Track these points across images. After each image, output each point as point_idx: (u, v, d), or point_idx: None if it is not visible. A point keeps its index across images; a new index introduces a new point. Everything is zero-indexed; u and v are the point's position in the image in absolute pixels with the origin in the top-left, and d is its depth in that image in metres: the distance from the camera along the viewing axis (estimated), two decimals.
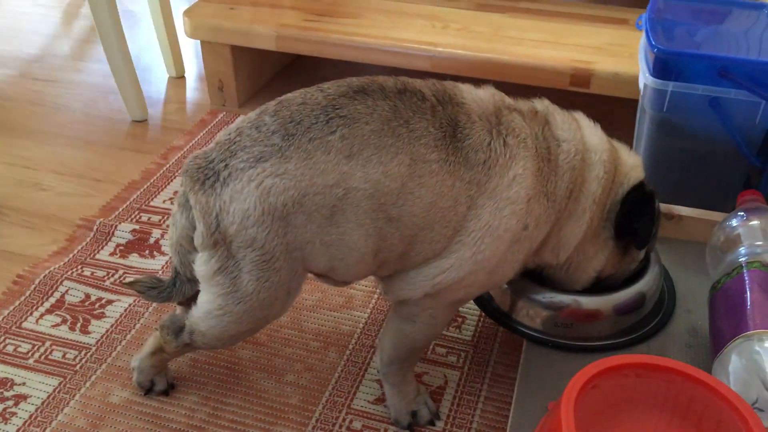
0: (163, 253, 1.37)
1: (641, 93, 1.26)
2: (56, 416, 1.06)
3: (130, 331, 1.21)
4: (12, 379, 1.12)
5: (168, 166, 1.62)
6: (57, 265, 1.33)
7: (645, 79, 1.21)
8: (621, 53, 1.59)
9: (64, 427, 1.05)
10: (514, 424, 0.93)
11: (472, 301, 1.12)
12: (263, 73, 1.95)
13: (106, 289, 1.29)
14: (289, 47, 1.73)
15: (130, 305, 1.25)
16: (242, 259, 0.87)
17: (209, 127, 1.78)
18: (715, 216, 1.16)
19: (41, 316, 1.23)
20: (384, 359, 1.02)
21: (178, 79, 2.03)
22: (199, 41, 1.81)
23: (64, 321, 1.22)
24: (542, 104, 0.97)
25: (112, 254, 1.37)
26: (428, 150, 0.86)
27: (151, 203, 1.50)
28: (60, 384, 1.11)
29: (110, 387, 1.11)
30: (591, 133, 0.97)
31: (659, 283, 1.09)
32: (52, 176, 1.61)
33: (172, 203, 1.39)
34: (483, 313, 1.15)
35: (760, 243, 1.01)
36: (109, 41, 1.72)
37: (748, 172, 1.25)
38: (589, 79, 1.54)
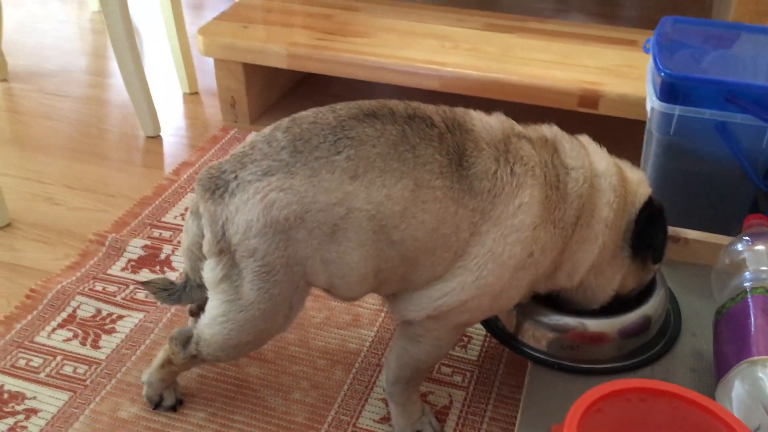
0: (173, 269, 1.39)
1: (648, 116, 1.27)
2: (66, 431, 1.08)
3: (139, 346, 1.22)
4: (23, 393, 1.14)
5: (179, 182, 1.64)
6: (69, 280, 1.35)
7: (652, 102, 1.22)
8: (630, 75, 1.60)
9: None
10: None
11: (480, 323, 1.13)
12: (275, 91, 1.98)
13: (117, 304, 1.30)
14: (300, 65, 1.75)
15: (140, 320, 1.27)
16: (245, 269, 0.89)
17: (221, 143, 1.80)
18: (722, 239, 1.17)
19: (53, 330, 1.25)
20: (389, 378, 1.03)
21: (191, 95, 2.05)
22: (212, 58, 1.84)
23: (76, 336, 1.24)
24: (551, 131, 0.98)
25: (123, 269, 1.39)
26: (433, 176, 0.87)
27: (163, 219, 1.52)
28: (70, 398, 1.13)
29: (119, 402, 1.12)
30: (599, 158, 0.98)
31: (665, 307, 1.10)
32: (65, 191, 1.63)
33: (183, 219, 1.41)
34: (489, 334, 1.15)
35: (765, 268, 1.01)
36: (124, 58, 1.75)
37: (756, 195, 1.25)
38: (597, 100, 1.55)
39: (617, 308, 1.05)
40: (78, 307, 1.30)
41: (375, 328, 1.26)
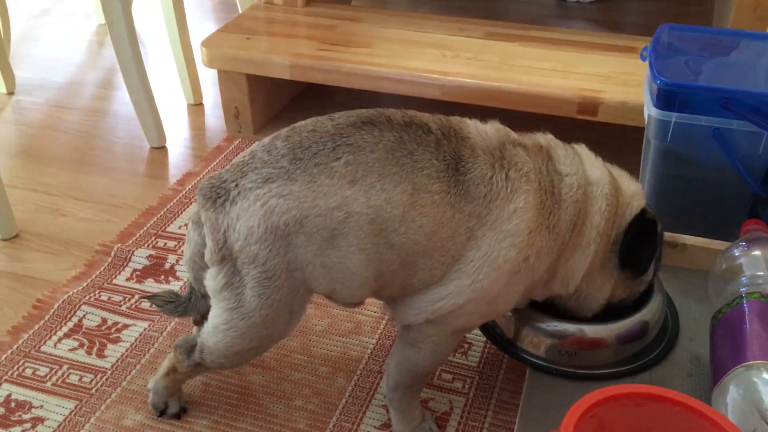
0: (178, 278, 1.41)
1: (646, 123, 1.28)
2: None
3: (144, 355, 1.24)
4: (30, 402, 1.16)
5: (184, 192, 1.66)
6: (75, 290, 1.37)
7: (649, 110, 1.23)
8: (629, 82, 1.61)
9: None
10: None
11: (478, 328, 1.15)
12: (278, 101, 2.00)
13: (122, 314, 1.32)
14: (303, 76, 1.77)
15: (145, 330, 1.29)
16: (246, 275, 0.90)
17: (225, 153, 1.82)
18: (719, 245, 1.18)
19: (59, 340, 1.27)
20: (390, 384, 1.04)
21: (196, 106, 2.08)
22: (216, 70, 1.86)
23: (81, 345, 1.26)
24: (545, 139, 1.00)
25: (128, 279, 1.40)
26: (430, 181, 0.89)
27: (168, 229, 1.54)
28: (76, 407, 1.15)
29: (124, 410, 1.14)
30: (592, 166, 0.99)
31: (662, 312, 1.10)
32: (72, 202, 1.65)
33: (187, 229, 1.43)
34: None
35: (761, 273, 1.02)
36: (129, 70, 1.78)
37: (753, 201, 1.26)
38: (596, 107, 1.56)
39: (615, 314, 1.06)
40: (84, 316, 1.32)
41: (376, 336, 1.27)
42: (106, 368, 1.22)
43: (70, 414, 1.14)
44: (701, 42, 1.39)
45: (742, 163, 1.20)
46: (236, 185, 0.89)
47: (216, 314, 0.96)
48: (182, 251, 1.45)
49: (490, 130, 0.96)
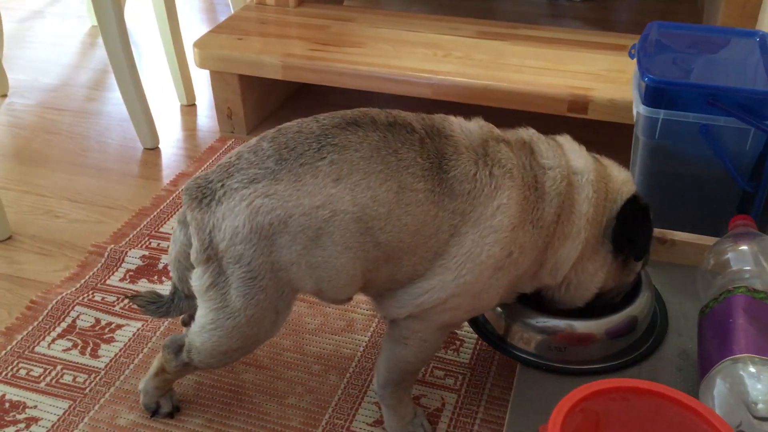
0: (171, 278, 1.41)
1: (635, 120, 1.29)
2: None
3: (138, 354, 1.25)
4: (24, 402, 1.16)
5: (177, 192, 1.67)
6: (69, 291, 1.37)
7: (637, 107, 1.24)
8: (618, 80, 1.62)
9: None
10: None
11: (469, 325, 1.15)
12: (271, 101, 2.00)
13: (115, 314, 1.33)
14: (295, 76, 1.78)
15: (138, 329, 1.29)
16: (231, 275, 0.91)
17: (218, 153, 1.83)
18: (707, 240, 1.19)
19: (53, 340, 1.27)
20: (380, 381, 1.05)
21: (189, 107, 2.08)
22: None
23: (75, 345, 1.26)
24: (527, 133, 1.01)
25: (122, 280, 1.41)
26: (415, 179, 0.90)
27: (161, 229, 1.55)
28: (70, 407, 1.15)
29: (118, 410, 1.15)
30: (576, 156, 1.00)
31: (651, 307, 1.11)
32: (65, 203, 1.66)
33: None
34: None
35: (748, 268, 1.03)
36: (122, 71, 1.78)
37: (741, 197, 1.27)
38: (586, 105, 1.57)
39: (604, 309, 1.07)
40: (77, 317, 1.32)
41: (369, 333, 1.28)
42: (100, 368, 1.22)
43: (64, 414, 1.14)
44: (689, 39, 1.40)
45: (730, 159, 1.21)
46: (222, 185, 0.90)
47: (202, 314, 0.96)
48: None
49: (474, 127, 0.97)
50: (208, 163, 1.79)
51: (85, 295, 1.37)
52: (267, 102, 1.98)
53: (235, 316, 0.93)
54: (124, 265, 1.44)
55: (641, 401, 0.86)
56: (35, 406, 1.15)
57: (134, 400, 1.15)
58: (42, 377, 1.20)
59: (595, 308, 1.06)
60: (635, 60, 1.31)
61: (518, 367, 1.07)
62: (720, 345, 0.93)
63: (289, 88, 2.06)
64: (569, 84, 1.61)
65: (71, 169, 1.79)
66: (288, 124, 0.94)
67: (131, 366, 1.22)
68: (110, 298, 1.36)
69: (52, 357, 1.24)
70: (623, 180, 1.03)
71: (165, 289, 1.37)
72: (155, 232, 1.54)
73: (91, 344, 1.27)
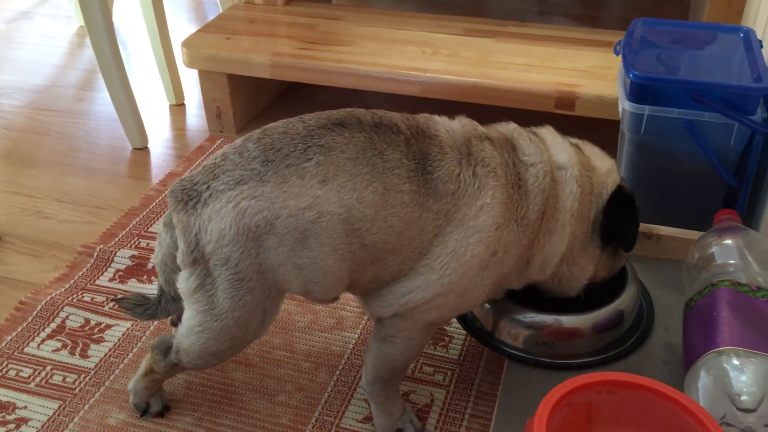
0: None
1: (621, 116, 1.30)
2: None
3: (127, 354, 1.25)
4: (14, 403, 1.16)
5: (166, 192, 1.66)
6: (58, 292, 1.37)
7: (623, 103, 1.25)
8: (605, 76, 1.63)
9: None
10: None
11: (458, 322, 1.16)
12: (260, 100, 2.00)
13: (105, 314, 1.33)
14: (283, 75, 1.78)
15: (128, 329, 1.30)
16: (218, 277, 0.91)
17: (207, 153, 1.83)
18: (693, 235, 1.20)
19: (42, 341, 1.27)
20: (368, 379, 1.05)
21: (178, 106, 2.08)
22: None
23: (65, 346, 1.26)
24: (508, 128, 1.01)
25: (111, 280, 1.41)
26: (401, 180, 0.90)
27: (150, 229, 1.55)
28: (60, 407, 1.15)
29: (108, 410, 1.15)
30: (559, 150, 1.00)
31: (637, 301, 1.12)
32: (54, 204, 1.66)
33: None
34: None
35: (733, 262, 1.04)
36: (109, 71, 1.78)
37: (727, 191, 1.28)
38: (573, 101, 1.58)
39: (591, 304, 1.08)
40: (67, 317, 1.32)
41: (358, 331, 1.28)
42: (90, 368, 1.22)
43: (53, 414, 1.14)
44: (674, 35, 1.41)
45: (715, 154, 1.22)
46: (208, 187, 0.90)
47: (189, 316, 0.96)
48: None
49: (457, 126, 0.97)
50: (197, 163, 1.79)
51: (75, 295, 1.37)
52: (256, 101, 1.98)
53: (222, 318, 0.93)
54: (113, 265, 1.44)
55: (627, 394, 0.87)
56: (25, 407, 1.15)
57: (124, 400, 1.15)
58: (32, 378, 1.20)
59: (583, 300, 1.07)
60: (620, 56, 1.32)
61: (506, 362, 1.08)
62: (704, 338, 0.94)
63: (278, 87, 2.06)
64: (556, 81, 1.62)
65: (60, 170, 1.79)
66: (274, 124, 0.94)
67: (121, 366, 1.23)
68: (99, 299, 1.36)
69: (42, 357, 1.24)
70: (607, 170, 1.03)
71: (154, 288, 1.38)
72: (144, 232, 1.54)
73: (81, 344, 1.27)
